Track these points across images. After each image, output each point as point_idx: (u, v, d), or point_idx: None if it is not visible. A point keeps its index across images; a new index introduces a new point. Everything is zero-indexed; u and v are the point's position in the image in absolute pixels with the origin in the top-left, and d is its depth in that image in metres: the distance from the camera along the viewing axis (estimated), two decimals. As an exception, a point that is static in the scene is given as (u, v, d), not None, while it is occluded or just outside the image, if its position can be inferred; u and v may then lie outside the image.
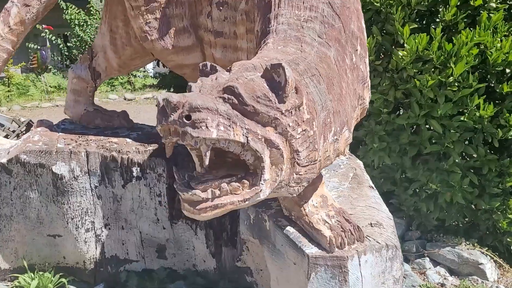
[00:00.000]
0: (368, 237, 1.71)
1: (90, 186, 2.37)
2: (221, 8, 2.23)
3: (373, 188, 2.13)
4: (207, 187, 1.34)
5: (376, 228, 1.80)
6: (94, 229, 2.43)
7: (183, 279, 2.47)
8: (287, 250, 1.74)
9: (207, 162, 1.28)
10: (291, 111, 1.37)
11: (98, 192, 2.38)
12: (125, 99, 11.46)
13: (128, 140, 2.54)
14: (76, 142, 2.47)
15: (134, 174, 2.37)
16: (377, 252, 1.68)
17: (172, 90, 6.16)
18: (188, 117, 1.22)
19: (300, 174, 1.45)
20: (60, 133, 2.58)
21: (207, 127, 1.22)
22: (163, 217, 2.42)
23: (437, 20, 2.55)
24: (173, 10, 2.33)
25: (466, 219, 3.01)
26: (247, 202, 1.37)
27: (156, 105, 1.30)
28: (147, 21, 2.32)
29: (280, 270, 1.81)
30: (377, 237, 1.73)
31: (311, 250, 1.64)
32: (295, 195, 1.49)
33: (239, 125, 1.28)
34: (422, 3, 2.53)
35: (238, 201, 1.35)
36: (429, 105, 2.60)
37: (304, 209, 1.73)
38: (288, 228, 1.76)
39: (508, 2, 2.50)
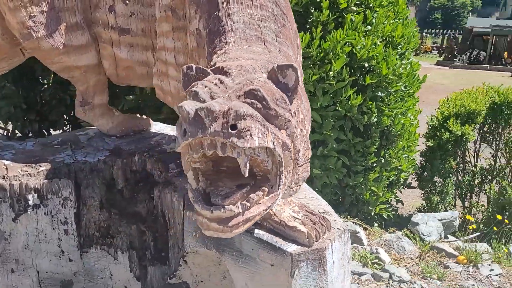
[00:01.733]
0: (328, 225, 1.81)
1: (-31, 227, 1.84)
2: (127, 2, 1.99)
3: (302, 179, 2.24)
4: (233, 200, 1.23)
5: (327, 215, 1.92)
6: (-24, 281, 1.90)
7: (101, 313, 2.15)
8: (260, 253, 1.71)
9: (247, 172, 1.17)
10: (295, 112, 1.37)
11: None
12: None
13: (5, 162, 2.04)
14: None
15: (31, 202, 1.93)
16: (339, 237, 1.80)
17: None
18: (234, 127, 1.10)
19: (298, 174, 1.46)
20: None
21: (251, 135, 1.13)
22: (70, 247, 2.05)
23: (309, 20, 2.81)
24: (63, 2, 1.97)
25: (335, 197, 3.42)
26: (268, 210, 1.32)
27: (184, 116, 1.12)
28: (31, 14, 1.90)
29: (251, 276, 1.76)
30: (333, 224, 1.85)
31: (291, 248, 1.65)
32: (293, 195, 1.49)
33: (270, 131, 1.21)
34: (299, 4, 2.74)
35: (263, 210, 1.28)
36: (309, 98, 2.84)
37: (271, 209, 1.73)
38: (257, 231, 1.72)
39: (363, 6, 2.92)
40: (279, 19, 1.71)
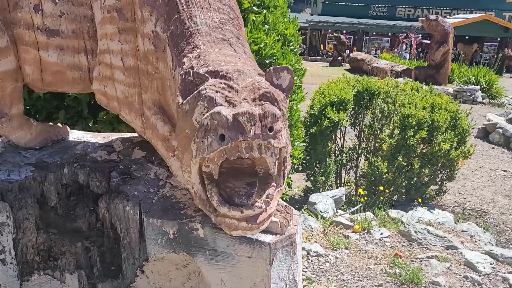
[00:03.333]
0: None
1: None
2: (57, 1, 1.82)
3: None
4: (257, 198, 1.29)
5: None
6: None
7: None
8: (236, 248, 1.76)
9: (275, 171, 1.24)
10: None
11: None
12: None
13: None
14: None
15: (-39, 235, 1.65)
16: (297, 221, 1.96)
17: None
18: (271, 129, 1.16)
19: (286, 168, 1.57)
20: None
21: (281, 136, 1.20)
22: (9, 278, 1.81)
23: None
24: (-25, 0, 1.71)
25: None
26: (278, 205, 1.40)
27: (223, 122, 1.13)
28: None
29: (227, 271, 1.81)
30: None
31: (267, 238, 1.74)
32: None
33: (285, 130, 1.30)
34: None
35: (276, 205, 1.37)
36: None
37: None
38: (230, 227, 1.78)
39: (261, 7, 3.08)
40: (235, 22, 1.77)
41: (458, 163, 4.21)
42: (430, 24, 14.83)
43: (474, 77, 14.76)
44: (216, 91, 1.28)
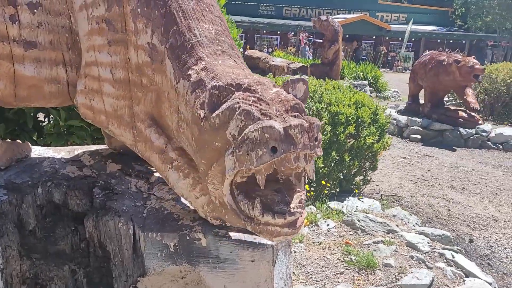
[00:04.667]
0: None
1: None
2: (35, 10, 1.70)
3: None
4: (294, 204, 1.36)
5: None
6: None
7: None
8: (240, 254, 1.81)
9: (313, 176, 1.33)
10: None
11: None
12: None
13: None
14: None
15: None
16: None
17: None
18: (317, 139, 1.25)
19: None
20: None
21: (320, 145, 1.30)
22: (-5, 313, 1.66)
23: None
24: None
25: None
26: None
27: (275, 135, 1.19)
28: None
29: (231, 277, 1.84)
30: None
31: (269, 241, 1.83)
32: None
33: None
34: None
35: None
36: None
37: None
38: (232, 233, 1.82)
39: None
40: (227, 33, 1.81)
41: (379, 154, 4.65)
42: (321, 24, 15.72)
43: (362, 73, 16.04)
44: (250, 105, 1.33)
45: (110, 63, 1.72)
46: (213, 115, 1.38)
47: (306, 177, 1.50)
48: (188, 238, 1.80)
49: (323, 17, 15.94)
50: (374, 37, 31.77)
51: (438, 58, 8.67)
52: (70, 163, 2.15)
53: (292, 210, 1.32)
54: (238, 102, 1.34)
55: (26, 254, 1.80)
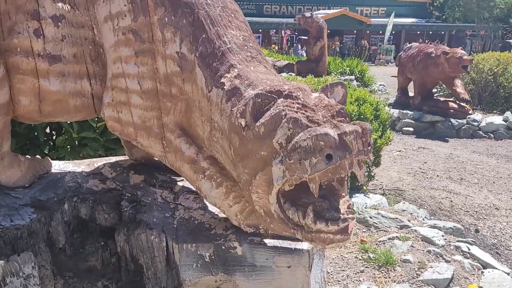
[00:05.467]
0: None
1: None
2: (59, 24, 1.66)
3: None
4: (344, 211, 1.35)
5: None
6: None
7: None
8: (276, 260, 1.80)
9: (365, 181, 1.32)
10: None
11: None
12: None
13: None
14: None
15: (-14, 297, 1.44)
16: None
17: None
18: (369, 144, 1.24)
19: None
20: None
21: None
22: (34, 335, 1.61)
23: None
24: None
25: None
26: None
27: (331, 143, 1.18)
28: None
29: (268, 284, 1.83)
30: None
31: (303, 245, 1.82)
32: None
33: None
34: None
35: None
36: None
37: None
38: (267, 240, 1.80)
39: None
40: (253, 38, 1.79)
41: (381, 149, 4.67)
42: (306, 21, 15.72)
43: (348, 68, 16.11)
44: (296, 112, 1.31)
45: (138, 74, 1.69)
46: (257, 124, 1.36)
47: (348, 181, 1.49)
48: (223, 247, 1.78)
49: (307, 14, 15.95)
50: (355, 31, 32.00)
51: (426, 51, 8.77)
52: (91, 177, 2.11)
53: (343, 217, 1.31)
54: (283, 110, 1.32)
55: (59, 272, 1.76)
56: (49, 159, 2.10)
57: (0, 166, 1.77)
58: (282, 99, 1.39)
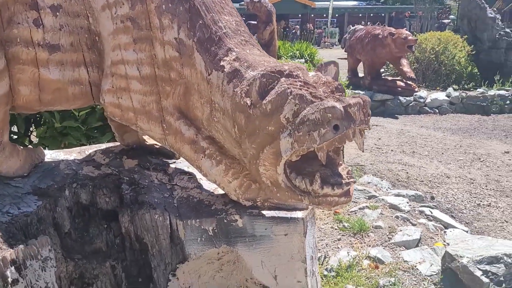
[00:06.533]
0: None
1: None
2: (57, 13, 1.69)
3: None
4: (346, 175, 1.51)
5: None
6: None
7: None
8: (274, 230, 1.94)
9: (363, 149, 1.48)
10: None
11: None
12: None
13: None
14: None
15: (10, 279, 1.48)
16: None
17: None
18: (369, 114, 1.40)
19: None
20: None
21: (369, 119, 1.45)
22: (51, 316, 1.67)
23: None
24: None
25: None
26: None
27: (337, 114, 1.32)
28: None
29: (267, 252, 1.97)
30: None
31: (298, 214, 1.97)
32: None
33: None
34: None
35: None
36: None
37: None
38: (265, 212, 1.94)
39: None
40: (243, 23, 1.91)
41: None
42: (255, 6, 15.69)
43: (298, 51, 16.38)
44: (300, 89, 1.45)
45: (137, 60, 1.76)
46: (264, 101, 1.48)
47: (342, 150, 1.65)
48: (225, 221, 1.91)
49: (255, -1, 16.00)
50: (300, 15, 32.43)
51: (373, 33, 9.15)
52: (85, 164, 2.15)
53: (346, 181, 1.47)
54: (288, 87, 1.45)
55: (68, 255, 1.82)
56: (42, 148, 2.12)
57: (2, 156, 1.78)
58: (284, 78, 1.52)
